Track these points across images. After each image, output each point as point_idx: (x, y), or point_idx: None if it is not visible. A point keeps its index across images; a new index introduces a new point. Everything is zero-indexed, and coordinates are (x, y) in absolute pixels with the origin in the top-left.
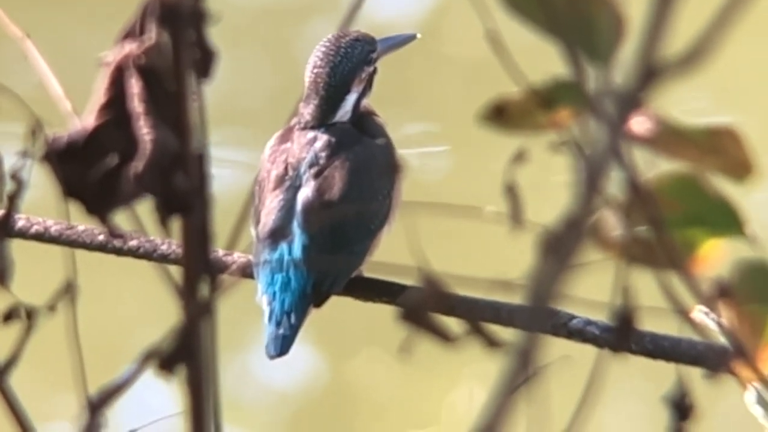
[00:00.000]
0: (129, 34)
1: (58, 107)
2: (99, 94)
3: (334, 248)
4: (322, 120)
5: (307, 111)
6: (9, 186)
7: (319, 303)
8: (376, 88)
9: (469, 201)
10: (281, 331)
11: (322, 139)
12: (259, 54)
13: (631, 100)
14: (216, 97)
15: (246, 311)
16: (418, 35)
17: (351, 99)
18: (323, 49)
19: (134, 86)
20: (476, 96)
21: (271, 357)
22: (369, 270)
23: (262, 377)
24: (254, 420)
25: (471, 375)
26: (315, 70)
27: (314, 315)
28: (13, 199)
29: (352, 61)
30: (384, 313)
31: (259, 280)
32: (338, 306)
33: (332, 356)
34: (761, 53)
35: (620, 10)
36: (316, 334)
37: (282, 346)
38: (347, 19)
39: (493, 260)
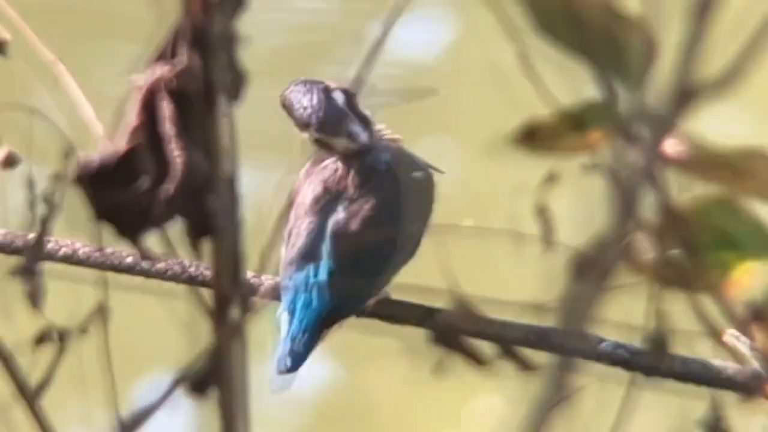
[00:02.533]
0: (160, 57)
1: (89, 130)
2: (130, 117)
3: (362, 273)
4: (340, 150)
5: (324, 143)
6: (42, 209)
7: (328, 325)
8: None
9: (499, 221)
10: (296, 347)
11: (358, 166)
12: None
13: (665, 123)
14: (246, 122)
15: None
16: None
17: (366, 131)
18: (329, 84)
19: (165, 109)
20: (502, 119)
21: (281, 372)
22: (399, 292)
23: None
24: (274, 429)
25: (490, 386)
26: (316, 107)
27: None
28: (45, 223)
29: (346, 96)
30: (399, 329)
31: (282, 300)
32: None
33: (350, 364)
34: None
35: (652, 31)
36: (334, 343)
37: (294, 361)
38: (370, 55)
39: (524, 284)
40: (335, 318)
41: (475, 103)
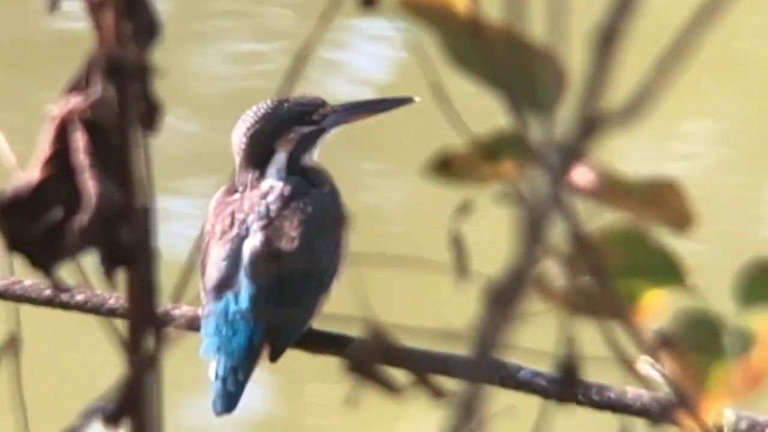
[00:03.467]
0: (75, 88)
1: (2, 161)
2: (44, 148)
3: (285, 300)
4: (252, 181)
5: (238, 174)
6: None
7: (274, 358)
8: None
9: (420, 249)
10: (228, 387)
11: (275, 192)
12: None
13: (573, 152)
14: (164, 148)
15: (195, 362)
16: (417, 99)
17: (280, 158)
18: (246, 115)
19: (79, 139)
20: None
21: (218, 414)
22: (317, 322)
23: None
24: None
25: (415, 414)
26: (235, 135)
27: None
28: None
29: (272, 123)
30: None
31: (203, 332)
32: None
33: (280, 390)
34: (699, 101)
35: (562, 62)
36: (265, 371)
37: (228, 403)
38: (285, 86)
39: (438, 311)
40: (272, 349)
41: (419, 126)
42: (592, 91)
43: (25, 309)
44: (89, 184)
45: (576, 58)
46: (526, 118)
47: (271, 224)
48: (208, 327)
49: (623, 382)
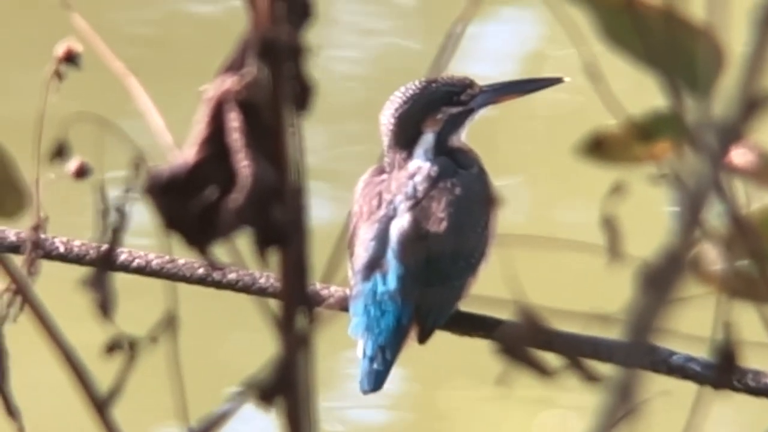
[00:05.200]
0: (229, 69)
1: (159, 141)
2: (199, 128)
3: (432, 281)
4: (400, 161)
5: (386, 154)
6: (113, 219)
7: (423, 339)
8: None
9: (564, 234)
10: (375, 366)
11: (422, 172)
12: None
13: (732, 132)
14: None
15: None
16: (567, 79)
17: (427, 139)
18: (394, 95)
19: (234, 120)
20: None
21: (365, 392)
22: (464, 303)
23: (354, 403)
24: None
25: (565, 402)
26: (383, 116)
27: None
28: (116, 233)
29: (420, 103)
30: (472, 342)
31: (352, 312)
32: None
33: (421, 381)
34: None
35: (720, 41)
36: (405, 359)
37: (376, 381)
38: (435, 67)
39: (591, 294)
40: (421, 331)
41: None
42: (752, 70)
43: (184, 289)
44: (244, 165)
45: (736, 37)
46: (683, 98)
47: (418, 205)
48: (356, 307)
49: None
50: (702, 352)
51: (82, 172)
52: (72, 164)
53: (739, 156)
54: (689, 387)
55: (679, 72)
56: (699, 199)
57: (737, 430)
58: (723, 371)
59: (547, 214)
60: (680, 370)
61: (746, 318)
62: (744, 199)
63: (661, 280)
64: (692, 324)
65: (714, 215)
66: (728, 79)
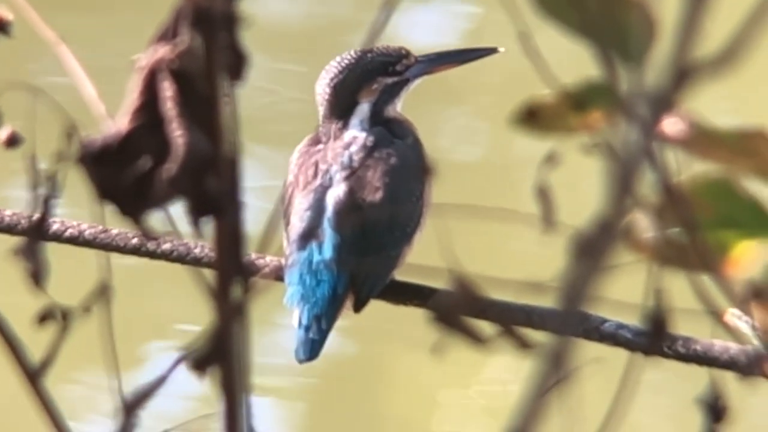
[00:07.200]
0: (162, 38)
1: (92, 110)
2: (132, 97)
3: (368, 250)
4: (335, 131)
5: (321, 124)
6: (44, 189)
7: (358, 308)
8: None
9: (501, 198)
10: (310, 335)
11: (358, 142)
12: (297, 60)
13: (664, 102)
14: (248, 101)
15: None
16: (501, 49)
17: (363, 109)
18: (329, 65)
19: (167, 89)
20: (511, 98)
21: (301, 361)
22: (399, 273)
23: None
24: (279, 389)
25: (500, 366)
26: (318, 86)
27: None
28: (47, 202)
29: (356, 74)
30: (408, 310)
31: (287, 281)
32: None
33: (362, 342)
34: None
35: (653, 11)
36: (346, 324)
37: (311, 350)
38: (370, 37)
39: (524, 262)
40: (356, 300)
41: (497, 77)
42: (684, 40)
43: (117, 260)
44: (177, 134)
45: (668, 6)
46: (616, 68)
47: (354, 174)
48: (291, 276)
49: (712, 335)
50: (633, 320)
51: (13, 141)
52: (2, 133)
53: (671, 125)
54: (622, 354)
55: (612, 42)
56: (631, 168)
57: (668, 396)
58: (654, 338)
59: (506, 148)
60: (612, 337)
61: (677, 285)
62: (675, 168)
63: (593, 249)
64: (624, 291)
65: (646, 184)
66: (660, 49)
